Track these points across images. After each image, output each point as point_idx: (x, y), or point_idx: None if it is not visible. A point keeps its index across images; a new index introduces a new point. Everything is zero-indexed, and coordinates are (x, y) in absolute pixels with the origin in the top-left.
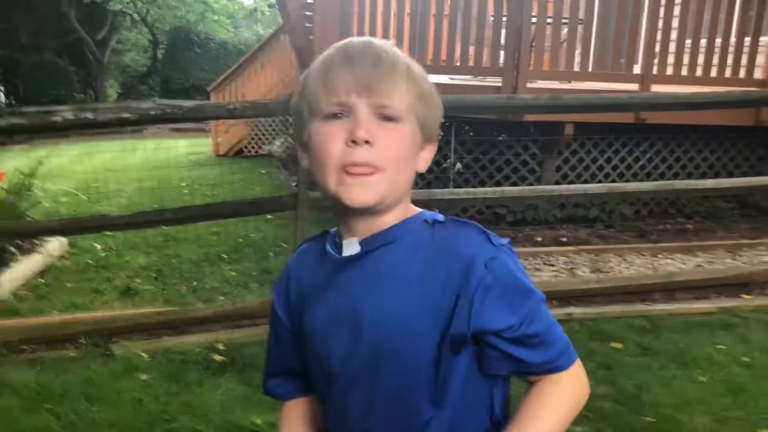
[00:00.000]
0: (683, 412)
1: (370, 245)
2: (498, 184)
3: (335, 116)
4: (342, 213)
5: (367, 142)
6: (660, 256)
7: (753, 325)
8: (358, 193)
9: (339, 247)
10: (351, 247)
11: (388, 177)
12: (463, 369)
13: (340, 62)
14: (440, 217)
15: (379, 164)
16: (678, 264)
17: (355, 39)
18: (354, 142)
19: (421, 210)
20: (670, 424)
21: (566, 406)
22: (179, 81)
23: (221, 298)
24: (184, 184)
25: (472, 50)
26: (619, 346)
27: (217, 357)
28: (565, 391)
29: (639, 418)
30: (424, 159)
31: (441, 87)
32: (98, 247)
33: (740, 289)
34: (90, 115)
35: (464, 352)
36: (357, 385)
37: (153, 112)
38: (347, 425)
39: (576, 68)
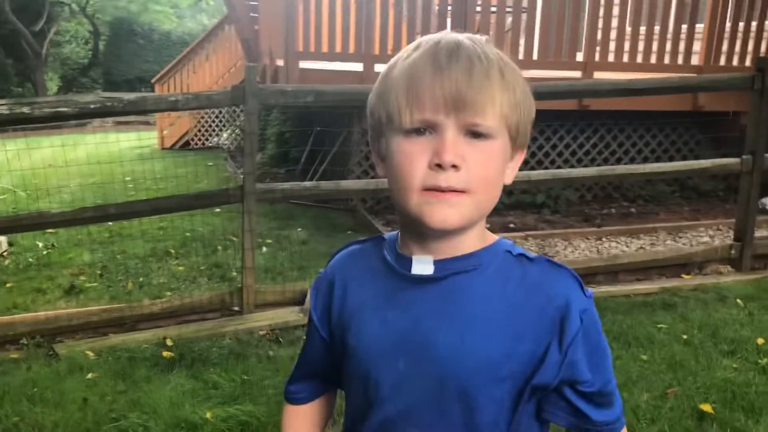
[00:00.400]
0: (626, 390)
1: (447, 269)
2: None
3: (418, 132)
4: (416, 230)
5: (454, 166)
6: (604, 239)
7: (692, 304)
8: (442, 212)
9: (403, 260)
10: (424, 266)
11: (475, 200)
12: (530, 415)
13: (427, 70)
14: (522, 250)
15: (466, 188)
16: (622, 247)
17: (444, 38)
18: (439, 165)
19: (497, 237)
20: None
21: None
22: (122, 73)
23: (169, 293)
24: (128, 179)
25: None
26: None
27: (166, 353)
28: None
29: None
30: (512, 169)
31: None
32: (40, 245)
33: (680, 270)
34: (26, 110)
35: (535, 399)
36: (412, 418)
37: (93, 106)
38: None
39: (521, 56)
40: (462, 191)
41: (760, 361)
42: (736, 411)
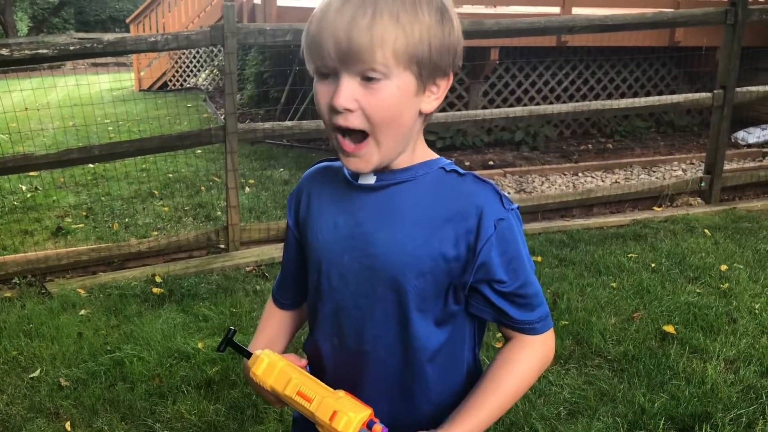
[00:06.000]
0: (595, 315)
1: (386, 180)
2: None
3: (324, 76)
4: None
5: (347, 109)
6: (581, 174)
7: (662, 235)
8: (354, 164)
9: (356, 173)
10: (367, 177)
11: (378, 141)
12: (462, 310)
13: (321, 22)
14: (456, 167)
15: (365, 128)
16: (597, 181)
17: None
18: (333, 108)
19: (438, 156)
20: (582, 326)
21: (536, 368)
22: (95, 12)
23: (155, 233)
24: (108, 121)
25: None
26: (538, 259)
27: (156, 289)
28: (537, 354)
29: (555, 322)
30: (433, 98)
31: None
32: (23, 188)
33: (652, 202)
34: (5, 52)
35: (461, 295)
36: (357, 303)
37: (72, 48)
38: (339, 339)
39: None
40: (363, 132)
41: (721, 285)
42: (696, 331)
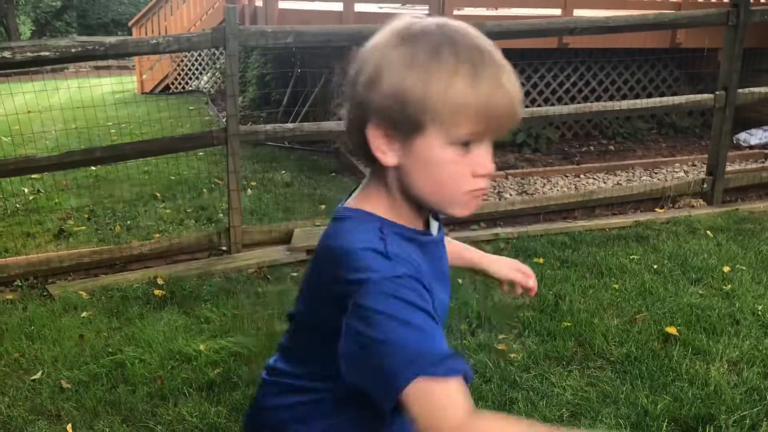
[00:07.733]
0: (597, 316)
1: (440, 226)
2: None
3: (465, 144)
4: (418, 208)
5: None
6: (582, 176)
7: (664, 236)
8: (472, 207)
9: (419, 232)
10: (436, 229)
11: None
12: None
13: (503, 100)
14: None
15: None
16: (599, 183)
17: (492, 52)
18: (482, 176)
19: None
20: (584, 327)
21: None
22: (97, 16)
23: (157, 235)
24: (110, 124)
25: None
26: (540, 261)
27: (158, 291)
28: None
29: (557, 324)
30: None
31: (369, 17)
32: (26, 190)
33: (654, 204)
34: (7, 54)
35: None
36: None
37: (74, 50)
38: None
39: None
40: None
41: (724, 287)
42: (698, 333)
